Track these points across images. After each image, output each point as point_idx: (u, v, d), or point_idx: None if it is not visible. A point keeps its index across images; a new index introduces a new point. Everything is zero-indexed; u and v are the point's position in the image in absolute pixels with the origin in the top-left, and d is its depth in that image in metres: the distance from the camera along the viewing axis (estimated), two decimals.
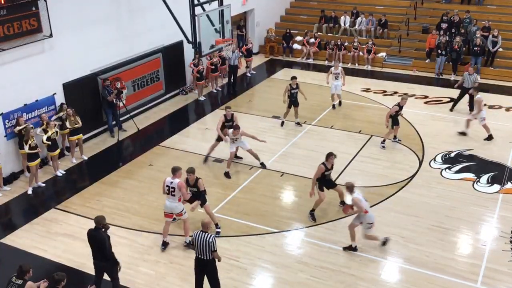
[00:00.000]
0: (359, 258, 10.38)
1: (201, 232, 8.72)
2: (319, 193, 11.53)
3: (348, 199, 11.00)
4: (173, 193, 10.34)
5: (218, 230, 11.21)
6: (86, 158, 14.75)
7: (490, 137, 15.33)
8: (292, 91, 15.92)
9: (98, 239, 8.90)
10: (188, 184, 10.72)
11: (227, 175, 13.49)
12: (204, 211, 11.08)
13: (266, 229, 11.38)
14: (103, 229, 8.97)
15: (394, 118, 14.83)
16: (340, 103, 18.08)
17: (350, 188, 10.32)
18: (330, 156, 11.36)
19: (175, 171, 10.35)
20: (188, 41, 17.11)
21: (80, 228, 11.51)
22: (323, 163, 11.35)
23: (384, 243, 10.57)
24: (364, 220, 10.27)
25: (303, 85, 17.14)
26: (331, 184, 11.80)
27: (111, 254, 9.00)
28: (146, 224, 11.63)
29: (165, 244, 10.79)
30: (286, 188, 13.14)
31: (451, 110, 17.51)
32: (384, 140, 15.04)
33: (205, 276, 9.04)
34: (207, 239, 8.63)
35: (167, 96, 18.96)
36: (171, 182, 10.29)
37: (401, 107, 14.76)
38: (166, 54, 18.36)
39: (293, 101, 16.07)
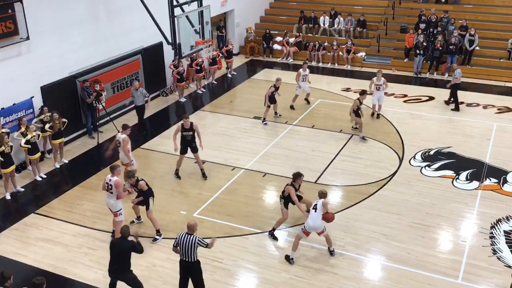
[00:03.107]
0: (342, 257, 10.44)
1: (186, 234, 8.69)
2: (283, 212, 10.92)
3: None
4: (111, 191, 10.60)
5: (157, 237, 11.02)
6: (66, 161, 14.59)
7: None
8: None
9: (122, 248, 8.69)
10: (131, 185, 10.93)
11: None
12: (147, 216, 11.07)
13: (249, 230, 11.37)
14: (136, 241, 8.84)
15: (271, 98, 16.56)
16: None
17: (320, 195, 10.22)
18: (299, 177, 10.71)
19: (113, 169, 10.64)
20: (168, 43, 17.02)
21: (61, 233, 11.38)
22: (291, 184, 10.69)
23: (288, 257, 10.37)
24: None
25: (283, 85, 17.20)
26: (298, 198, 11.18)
27: (142, 251, 8.84)
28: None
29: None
30: (268, 188, 13.16)
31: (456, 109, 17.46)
32: (264, 118, 16.81)
33: (189, 278, 8.99)
34: (192, 241, 8.59)
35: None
36: (110, 180, 10.56)
37: (276, 88, 16.46)
38: (145, 56, 18.24)
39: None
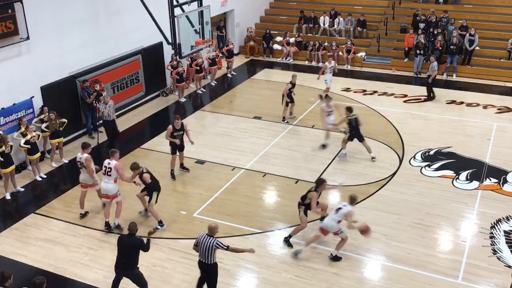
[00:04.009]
0: (342, 257, 10.43)
1: (207, 236, 8.70)
2: (302, 219, 10.73)
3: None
4: (109, 173, 10.86)
5: (159, 227, 11.16)
6: (66, 161, 14.59)
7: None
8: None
9: (129, 244, 8.81)
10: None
11: (83, 216, 11.92)
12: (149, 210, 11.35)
13: (249, 230, 11.37)
14: (147, 239, 8.95)
15: (289, 96, 16.53)
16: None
17: (350, 199, 10.19)
18: (322, 183, 10.55)
19: (112, 153, 10.99)
20: (168, 43, 17.02)
21: (61, 233, 11.38)
22: (315, 190, 10.49)
23: (296, 253, 10.46)
24: None
25: (284, 86, 17.16)
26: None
27: (148, 249, 8.94)
28: (127, 227, 11.50)
29: (107, 225, 11.33)
30: (268, 188, 13.16)
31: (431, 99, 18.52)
32: (283, 118, 16.81)
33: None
34: (211, 243, 8.59)
35: (148, 98, 18.84)
36: (109, 163, 10.87)
37: (293, 85, 16.43)
38: (145, 56, 18.24)
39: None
